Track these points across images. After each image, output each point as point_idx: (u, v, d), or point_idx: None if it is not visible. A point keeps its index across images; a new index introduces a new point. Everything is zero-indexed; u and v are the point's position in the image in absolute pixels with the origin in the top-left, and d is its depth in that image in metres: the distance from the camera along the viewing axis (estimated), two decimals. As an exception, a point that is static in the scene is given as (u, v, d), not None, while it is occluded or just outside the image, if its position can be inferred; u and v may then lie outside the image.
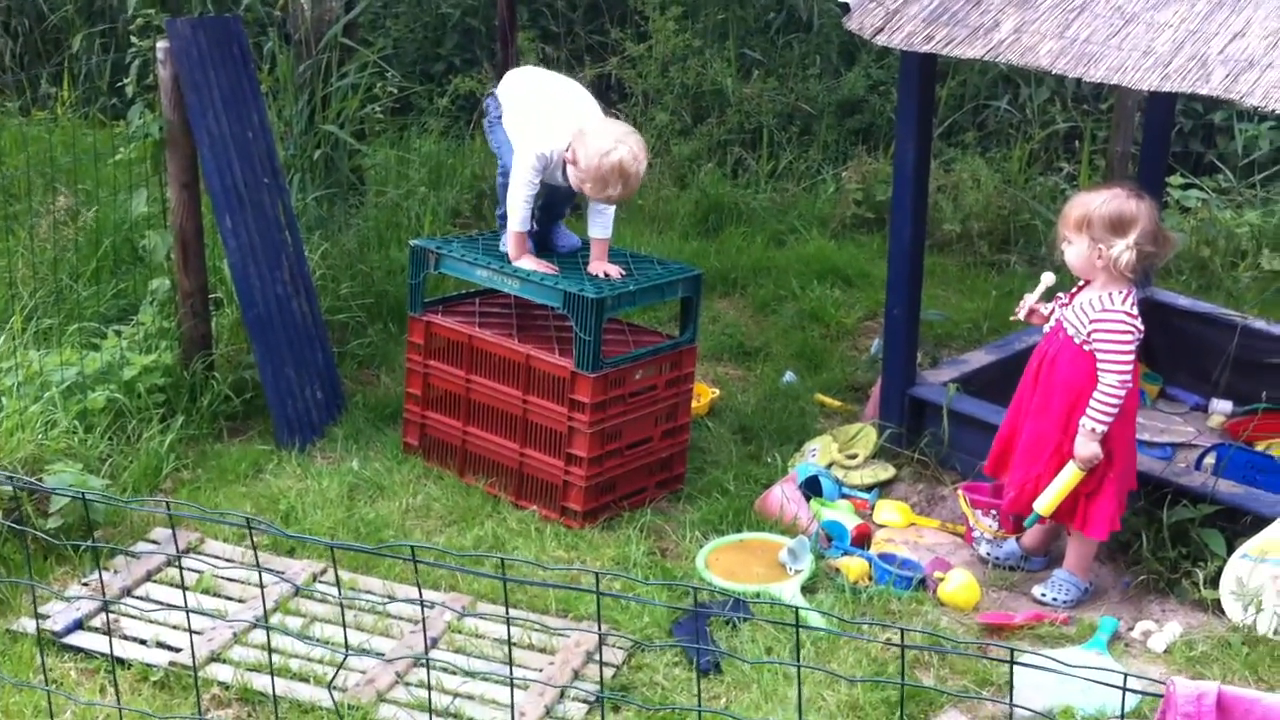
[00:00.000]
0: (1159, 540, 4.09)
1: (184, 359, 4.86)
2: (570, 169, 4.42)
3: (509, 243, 4.51)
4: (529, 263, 4.47)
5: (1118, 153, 6.61)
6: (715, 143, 7.57)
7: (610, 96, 7.77)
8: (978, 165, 7.11)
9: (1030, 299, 4.07)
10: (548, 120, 4.49)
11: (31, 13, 8.57)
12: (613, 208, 4.58)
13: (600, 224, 4.57)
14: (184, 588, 2.96)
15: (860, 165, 7.25)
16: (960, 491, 4.38)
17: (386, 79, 6.26)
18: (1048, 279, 4.08)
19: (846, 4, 4.33)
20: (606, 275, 4.47)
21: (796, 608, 2.86)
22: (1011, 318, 4.18)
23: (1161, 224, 3.90)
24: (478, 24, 8.19)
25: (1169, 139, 5.85)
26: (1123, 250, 3.80)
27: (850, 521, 4.31)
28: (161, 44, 4.65)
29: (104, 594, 3.72)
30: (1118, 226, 3.81)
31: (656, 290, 4.53)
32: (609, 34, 7.71)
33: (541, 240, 4.69)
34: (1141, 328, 3.88)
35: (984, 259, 6.72)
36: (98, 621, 3.66)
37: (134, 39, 5.15)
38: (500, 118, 4.64)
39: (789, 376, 5.46)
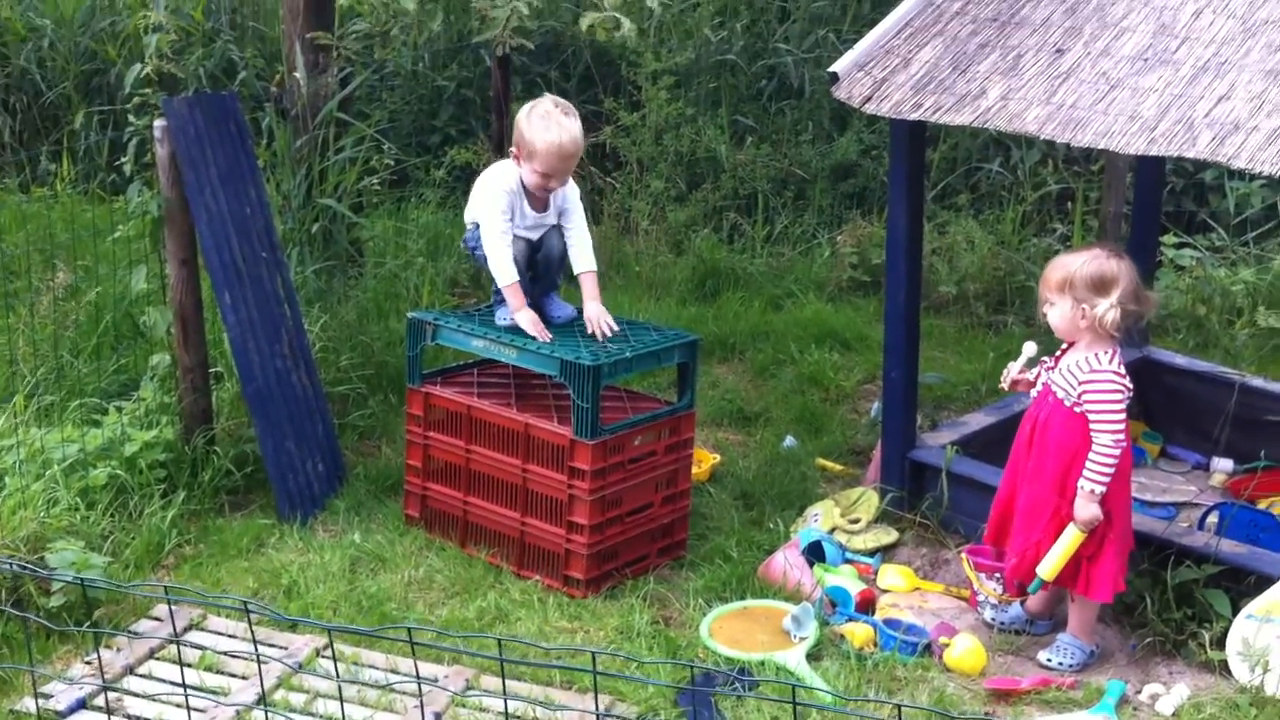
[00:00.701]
0: (1164, 602, 4.08)
1: (185, 434, 4.87)
2: (525, 172, 4.45)
3: (507, 297, 4.53)
4: (527, 318, 4.47)
5: (1110, 213, 6.66)
6: (710, 209, 7.62)
7: (605, 164, 7.83)
8: (971, 227, 7.16)
9: (1014, 369, 4.10)
10: (493, 171, 4.57)
11: (30, 90, 8.64)
12: (585, 231, 4.63)
13: (582, 257, 4.64)
14: (183, 665, 2.95)
15: (855, 229, 7.29)
16: (964, 555, 4.37)
17: (383, 151, 6.31)
18: (1029, 349, 4.11)
19: (835, 73, 4.38)
20: (601, 333, 4.50)
21: (800, 676, 2.85)
22: (999, 388, 4.20)
23: (1141, 283, 3.93)
24: (473, 95, 8.26)
25: (1160, 198, 5.90)
26: (1107, 309, 3.84)
27: (854, 587, 4.30)
28: (159, 122, 4.70)
29: (103, 675, 3.70)
30: (1100, 286, 3.85)
31: (653, 356, 4.54)
32: (603, 103, 7.78)
33: (537, 311, 4.70)
34: (1130, 386, 3.90)
35: (981, 320, 6.75)
36: (100, 701, 3.64)
37: (131, 118, 5.20)
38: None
39: (789, 441, 5.47)
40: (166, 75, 5.26)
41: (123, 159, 5.31)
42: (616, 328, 4.54)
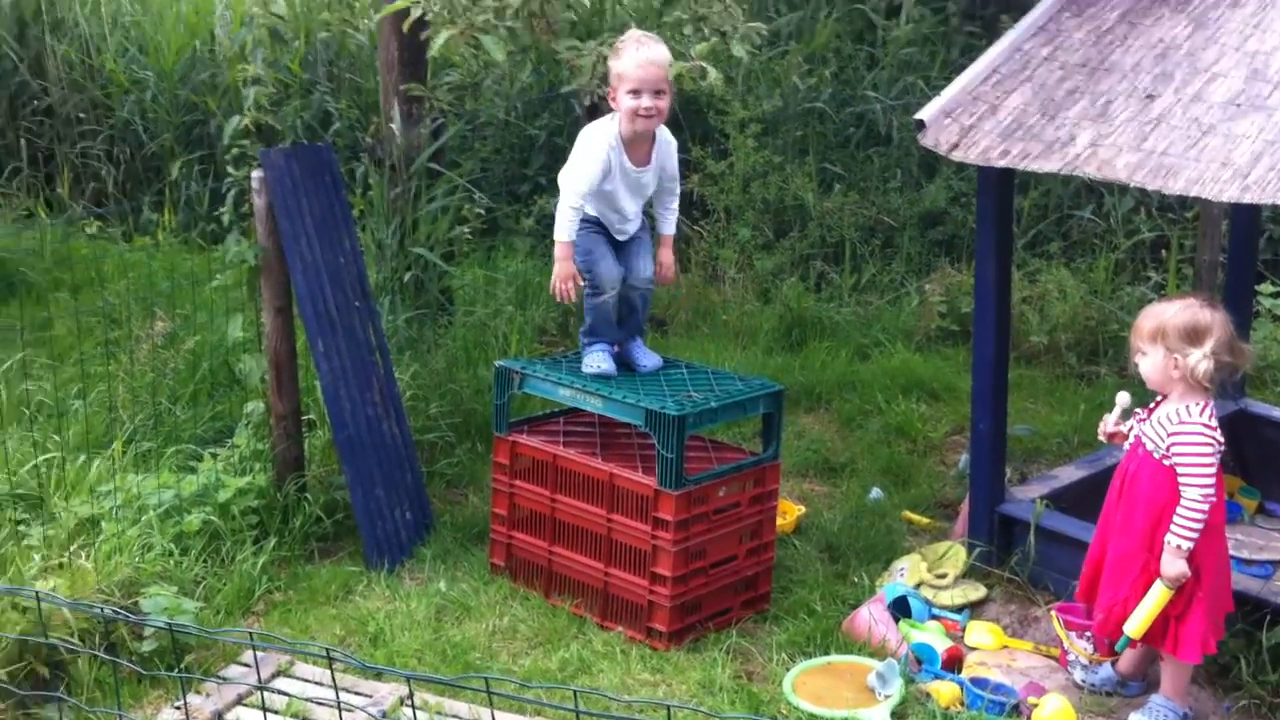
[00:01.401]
0: (1259, 663, 3.97)
1: (277, 480, 4.95)
2: (623, 112, 4.46)
3: (556, 253, 4.55)
4: (565, 270, 4.51)
5: (1205, 261, 6.54)
6: (798, 257, 7.62)
7: (693, 213, 7.87)
8: (1063, 276, 7.07)
9: (1110, 420, 4.04)
10: (592, 127, 4.60)
11: (133, 141, 8.91)
12: (676, 197, 4.71)
13: (667, 221, 4.79)
14: (268, 712, 2.99)
15: (944, 277, 7.24)
16: (1054, 612, 4.29)
17: (475, 201, 6.40)
18: (1123, 399, 4.04)
19: (921, 121, 4.37)
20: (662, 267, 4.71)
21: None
22: (1098, 439, 4.13)
23: (1236, 335, 3.85)
24: (564, 143, 8.34)
25: (1256, 246, 5.79)
26: (1200, 359, 3.77)
27: (940, 644, 4.24)
28: (256, 173, 4.82)
29: None
30: (1193, 336, 3.78)
31: (738, 407, 4.54)
32: (690, 152, 7.82)
33: (623, 359, 4.72)
34: (1222, 440, 3.82)
35: (1072, 371, 6.66)
36: (189, 746, 3.71)
37: (230, 168, 5.33)
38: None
39: (876, 493, 5.42)
40: (264, 127, 5.39)
41: (222, 209, 5.44)
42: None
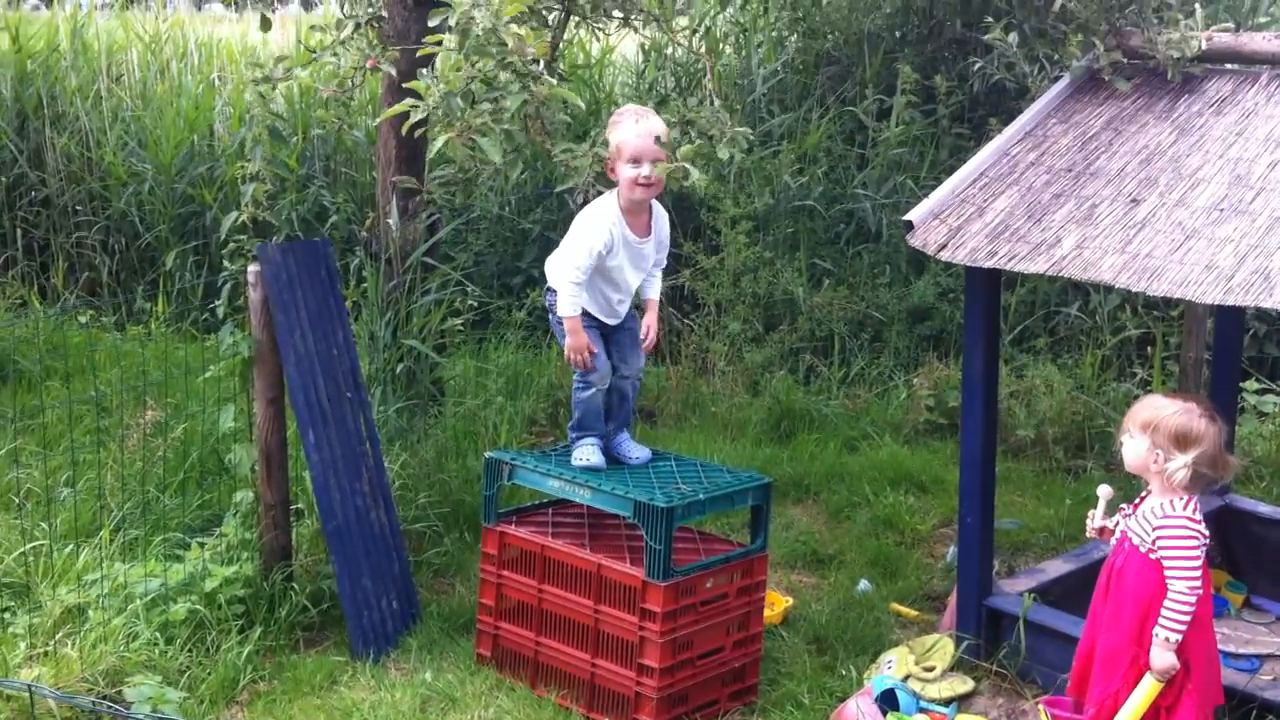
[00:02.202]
0: (1247, 758, 3.96)
1: (264, 570, 4.95)
2: (622, 183, 4.53)
3: (567, 330, 4.57)
4: (578, 340, 4.56)
5: (1190, 359, 6.60)
6: (787, 350, 7.69)
7: (684, 307, 7.94)
8: (1050, 371, 7.14)
9: (1096, 515, 4.07)
10: (593, 207, 4.66)
11: (129, 232, 9.00)
12: (659, 273, 4.78)
13: (653, 286, 4.80)
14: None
15: (931, 371, 7.30)
16: (1042, 706, 4.28)
17: (467, 293, 6.47)
18: (1105, 492, 4.07)
19: (910, 222, 4.45)
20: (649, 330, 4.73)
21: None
22: (1088, 535, 4.16)
23: (1224, 449, 3.86)
24: (556, 237, 8.43)
25: (1241, 344, 5.86)
26: (1179, 467, 3.80)
27: (928, 737, 4.23)
28: (253, 267, 4.88)
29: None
30: (1181, 441, 3.82)
31: (726, 499, 4.56)
32: (682, 246, 7.92)
33: (610, 453, 4.74)
34: (1206, 533, 3.85)
35: (1059, 465, 6.69)
36: (170, 837, 3.67)
37: (226, 261, 5.39)
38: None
39: (864, 585, 5.42)
40: (261, 221, 5.46)
41: (216, 301, 5.49)
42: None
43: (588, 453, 4.66)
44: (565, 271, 4.59)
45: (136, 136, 9.27)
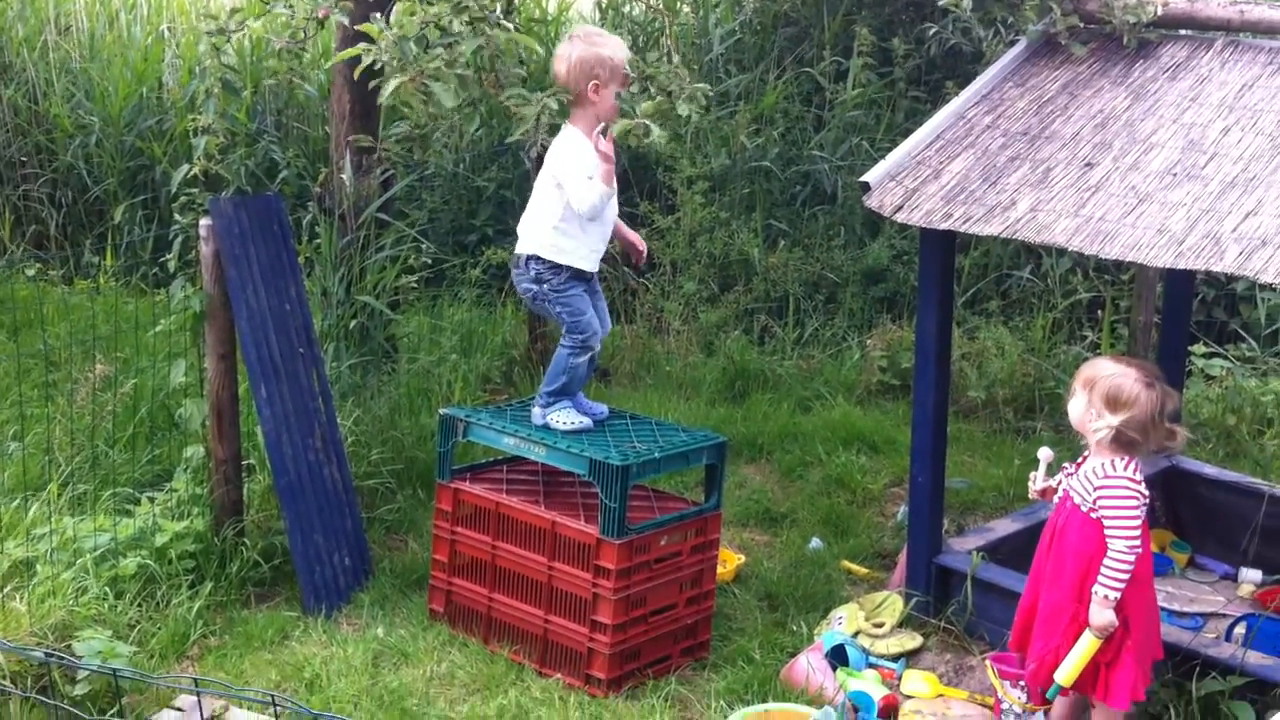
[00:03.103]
0: (1188, 713, 4.04)
1: (215, 525, 4.92)
2: (605, 113, 4.44)
3: (603, 183, 4.41)
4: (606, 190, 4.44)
5: (1140, 322, 6.68)
6: (742, 310, 7.70)
7: (639, 266, 7.92)
8: (1001, 333, 7.19)
9: (1038, 477, 4.11)
10: (571, 141, 4.54)
11: (76, 185, 8.87)
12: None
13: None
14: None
15: (885, 333, 7.34)
16: (988, 662, 4.34)
17: (422, 250, 6.43)
18: (1045, 455, 4.13)
19: (866, 183, 4.46)
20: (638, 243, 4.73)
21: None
22: (1030, 497, 4.20)
23: (1160, 418, 3.87)
24: (512, 195, 8.41)
25: (1190, 308, 5.93)
26: (1102, 427, 3.85)
27: (877, 692, 4.27)
28: (205, 221, 4.83)
29: (127, 763, 3.71)
30: (1112, 403, 3.86)
31: (681, 457, 4.58)
32: (638, 206, 7.91)
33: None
34: (1147, 493, 3.90)
35: (1009, 426, 6.76)
36: (120, 791, 3.65)
37: (177, 215, 5.33)
38: (557, 288, 4.58)
39: (815, 543, 5.47)
40: (212, 175, 5.40)
41: (166, 255, 5.43)
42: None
43: (571, 416, 4.62)
44: (585, 194, 4.42)
45: (84, 89, 9.12)
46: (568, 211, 4.51)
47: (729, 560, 5.16)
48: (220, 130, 5.55)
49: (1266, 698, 3.99)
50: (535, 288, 4.61)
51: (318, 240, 6.04)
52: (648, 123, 4.40)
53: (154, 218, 8.42)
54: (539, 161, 6.55)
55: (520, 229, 4.65)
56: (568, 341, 4.65)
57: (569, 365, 4.63)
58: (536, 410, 4.68)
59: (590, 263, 4.61)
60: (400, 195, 7.08)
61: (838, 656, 4.48)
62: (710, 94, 5.17)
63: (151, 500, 4.95)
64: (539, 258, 4.57)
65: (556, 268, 4.56)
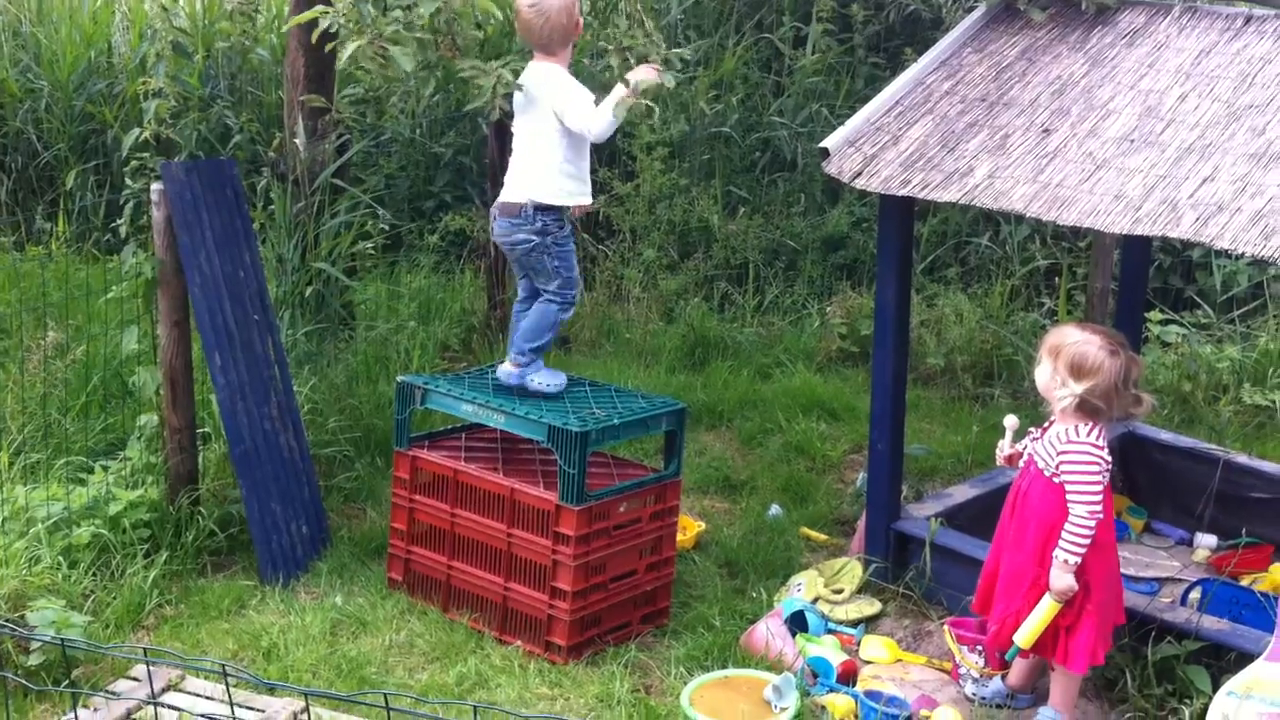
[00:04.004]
0: (1144, 677, 4.07)
1: (170, 494, 4.87)
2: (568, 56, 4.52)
3: (622, 98, 4.42)
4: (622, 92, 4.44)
5: (1097, 289, 6.71)
6: (702, 278, 7.68)
7: (598, 233, 7.90)
8: (960, 301, 7.22)
9: (1004, 444, 4.14)
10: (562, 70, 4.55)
11: (26, 150, 8.72)
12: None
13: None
14: (162, 728, 2.94)
15: (844, 300, 7.35)
16: (947, 627, 4.37)
17: (378, 217, 6.36)
18: (1010, 422, 4.16)
19: (826, 149, 4.44)
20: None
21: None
22: (1000, 464, 4.22)
23: (1124, 385, 3.89)
24: (469, 162, 8.35)
25: (1147, 275, 5.96)
26: (1066, 394, 3.88)
27: (836, 658, 4.29)
28: (156, 186, 4.75)
29: (82, 734, 3.68)
30: (1077, 370, 3.89)
31: (641, 424, 4.56)
32: (597, 172, 7.86)
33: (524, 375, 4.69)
34: (1109, 459, 3.93)
35: (968, 393, 6.79)
36: (75, 762, 3.62)
37: (128, 180, 5.24)
38: (560, 240, 4.54)
39: (775, 510, 5.47)
40: (164, 139, 5.32)
41: (118, 221, 5.35)
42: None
43: (551, 378, 4.62)
44: (596, 116, 4.42)
45: (32, 52, 8.96)
46: (569, 150, 4.50)
47: (689, 527, 5.16)
48: (171, 94, 5.47)
49: (1221, 662, 4.03)
50: (537, 239, 4.53)
51: (272, 206, 5.96)
52: (648, 103, 4.43)
53: (106, 183, 8.30)
54: (499, 128, 6.53)
55: (516, 177, 4.55)
56: (557, 297, 4.62)
57: (556, 322, 4.62)
58: (511, 368, 4.61)
59: (578, 185, 4.56)
60: (356, 161, 7.01)
61: (797, 623, 4.50)
62: (686, 58, 5.12)
63: (105, 469, 4.89)
64: (547, 206, 4.51)
65: (561, 219, 4.53)
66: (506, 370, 4.63)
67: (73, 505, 4.64)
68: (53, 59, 8.71)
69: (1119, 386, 3.89)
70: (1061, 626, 3.92)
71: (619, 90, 4.46)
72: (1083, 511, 3.85)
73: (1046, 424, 4.06)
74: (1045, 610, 3.90)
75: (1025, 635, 3.93)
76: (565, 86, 4.49)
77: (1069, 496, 3.88)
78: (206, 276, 4.81)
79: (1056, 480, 3.92)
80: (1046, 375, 3.96)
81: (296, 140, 5.92)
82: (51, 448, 5.08)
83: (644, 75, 4.47)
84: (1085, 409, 3.89)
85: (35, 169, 8.72)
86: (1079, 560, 3.86)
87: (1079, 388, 3.87)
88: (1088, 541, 3.85)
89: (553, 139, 4.49)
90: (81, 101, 8.55)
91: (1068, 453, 3.90)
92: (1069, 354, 3.91)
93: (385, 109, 8.26)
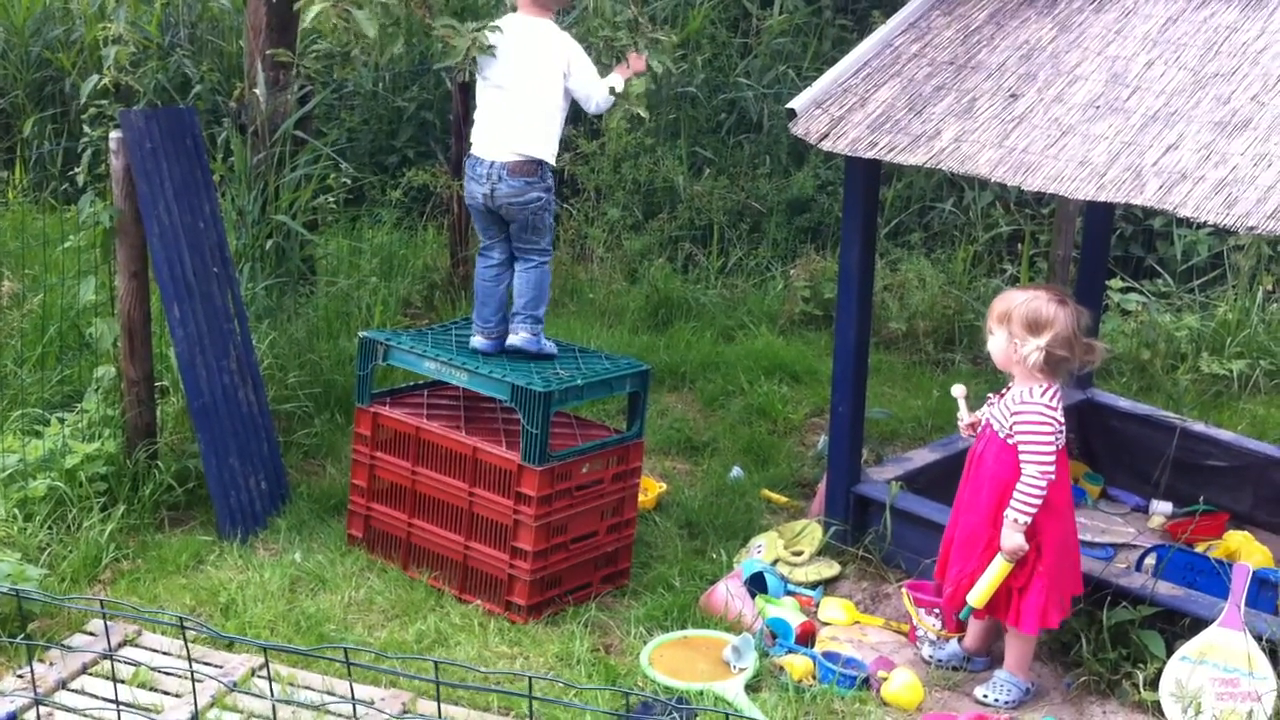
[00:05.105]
0: (1099, 642, 4.12)
1: (127, 447, 4.82)
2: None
3: (627, 74, 4.62)
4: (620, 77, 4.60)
5: (1059, 256, 6.74)
6: (666, 238, 7.66)
7: (562, 191, 7.84)
8: (923, 265, 7.23)
9: (963, 415, 4.17)
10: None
11: (-20, 97, 8.59)
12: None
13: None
14: (117, 681, 2.92)
15: (808, 263, 7.34)
16: (904, 590, 4.40)
17: (340, 170, 6.30)
18: (959, 391, 4.21)
19: (793, 110, 4.43)
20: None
21: (739, 707, 2.86)
22: (963, 435, 4.25)
23: (1080, 332, 3.96)
24: (433, 118, 8.27)
25: (1109, 243, 5.99)
26: (1032, 350, 3.90)
27: (795, 619, 4.31)
28: (115, 134, 4.68)
29: (35, 689, 3.65)
30: (1033, 326, 3.92)
31: (604, 385, 4.55)
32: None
33: (490, 336, 4.66)
34: (1062, 421, 3.96)
35: (929, 358, 6.81)
36: (32, 715, 3.59)
37: (86, 128, 5.16)
38: (553, 198, 4.60)
39: (736, 472, 5.48)
40: (124, 87, 5.23)
41: (76, 169, 5.27)
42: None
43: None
44: (601, 89, 4.55)
45: (-13, -4, 8.79)
46: (565, 110, 4.54)
47: (650, 488, 5.16)
48: (131, 41, 5.38)
49: (1175, 627, 4.08)
50: (544, 196, 4.56)
51: (232, 158, 5.89)
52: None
53: (64, 131, 8.17)
54: (464, 86, 6.46)
55: (520, 135, 4.48)
56: (544, 257, 4.63)
57: (548, 278, 4.66)
58: (525, 335, 4.57)
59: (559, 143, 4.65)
60: (318, 113, 6.92)
61: (756, 584, 4.51)
62: (674, 39, 5.13)
63: (61, 421, 4.83)
64: (547, 163, 4.54)
65: (553, 174, 4.57)
66: (524, 338, 4.58)
67: (28, 458, 4.59)
68: (9, 4, 8.54)
69: (1075, 333, 3.93)
70: (1014, 588, 3.96)
71: (618, 75, 4.58)
72: (1034, 471, 3.88)
73: (1005, 389, 4.08)
74: (997, 570, 3.93)
75: (977, 595, 3.97)
76: (578, 49, 4.52)
77: (1021, 456, 3.91)
78: (165, 227, 4.75)
79: (1010, 442, 3.95)
80: (1003, 342, 3.98)
81: (257, 91, 5.84)
82: (7, 399, 5.02)
83: (637, 67, 4.62)
84: (1050, 362, 3.91)
85: (-10, 116, 8.58)
86: (1029, 520, 3.89)
87: (1041, 341, 3.90)
88: (1039, 502, 3.89)
89: (558, 98, 4.51)
90: (39, 48, 8.41)
91: (1021, 413, 3.93)
92: (1021, 313, 3.94)
93: (349, 62, 8.16)
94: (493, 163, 4.49)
